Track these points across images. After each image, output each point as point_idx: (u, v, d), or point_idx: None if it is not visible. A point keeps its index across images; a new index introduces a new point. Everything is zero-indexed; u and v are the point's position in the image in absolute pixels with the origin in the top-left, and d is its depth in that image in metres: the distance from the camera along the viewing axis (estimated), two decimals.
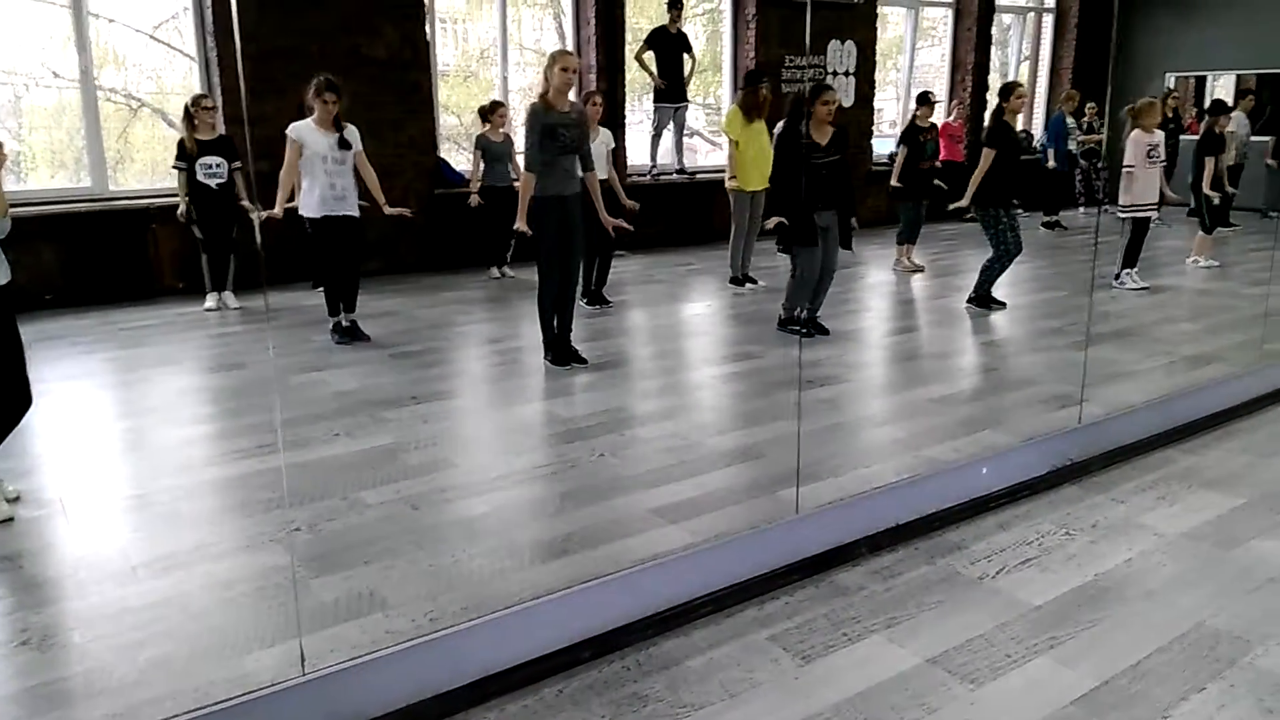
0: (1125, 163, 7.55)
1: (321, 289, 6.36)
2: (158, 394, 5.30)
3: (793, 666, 2.62)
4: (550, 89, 5.15)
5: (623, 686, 2.54)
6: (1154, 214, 7.82)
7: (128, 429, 4.72)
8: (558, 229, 5.26)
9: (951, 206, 7.12)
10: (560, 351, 5.47)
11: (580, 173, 5.35)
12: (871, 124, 11.61)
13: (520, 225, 5.32)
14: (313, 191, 5.83)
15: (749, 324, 6.58)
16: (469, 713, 2.44)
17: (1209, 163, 8.60)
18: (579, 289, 6.12)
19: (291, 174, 5.85)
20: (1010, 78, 13.76)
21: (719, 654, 2.68)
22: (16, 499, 3.64)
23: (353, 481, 3.84)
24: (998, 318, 6.82)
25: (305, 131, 5.79)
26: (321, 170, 5.79)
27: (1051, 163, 11.22)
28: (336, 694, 2.34)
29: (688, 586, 2.90)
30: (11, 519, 3.49)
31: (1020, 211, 7.07)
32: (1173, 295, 7.61)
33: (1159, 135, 7.54)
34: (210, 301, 7.07)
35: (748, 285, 7.75)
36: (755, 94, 7.43)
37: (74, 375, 5.52)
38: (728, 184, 7.66)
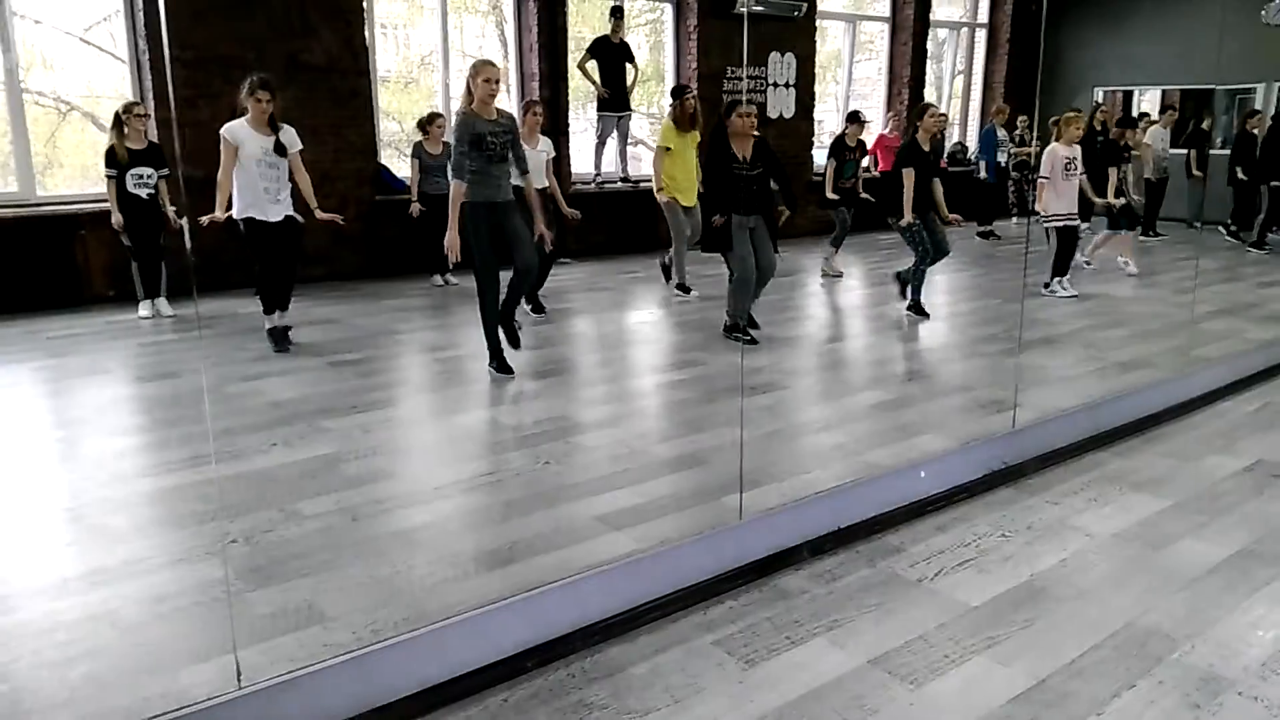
0: (1040, 174, 7.79)
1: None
2: (88, 404, 5.16)
3: (737, 670, 2.64)
4: (475, 99, 5.12)
5: (567, 695, 2.54)
6: (1078, 223, 8.01)
7: (57, 440, 4.59)
8: (490, 235, 5.22)
9: (896, 221, 7.14)
10: (502, 358, 5.45)
11: (513, 180, 5.35)
12: (812, 134, 11.76)
13: (451, 236, 5.19)
14: (245, 193, 5.71)
15: (693, 331, 6.62)
16: None
17: (1111, 172, 8.88)
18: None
19: (229, 175, 5.71)
20: (945, 91, 14.08)
21: (664, 660, 2.69)
22: None
23: (290, 492, 3.77)
24: (934, 325, 6.95)
25: (239, 131, 5.67)
26: (255, 172, 5.68)
27: (983, 174, 11.51)
28: (274, 708, 2.30)
29: (633, 593, 2.90)
30: None
31: (957, 222, 7.24)
32: (1102, 303, 7.83)
33: (1076, 149, 7.75)
34: (144, 309, 6.92)
35: (692, 294, 7.80)
36: (683, 107, 7.56)
37: (0, 385, 5.35)
38: (659, 196, 7.64)
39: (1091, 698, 2.51)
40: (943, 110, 13.10)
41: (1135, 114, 12.98)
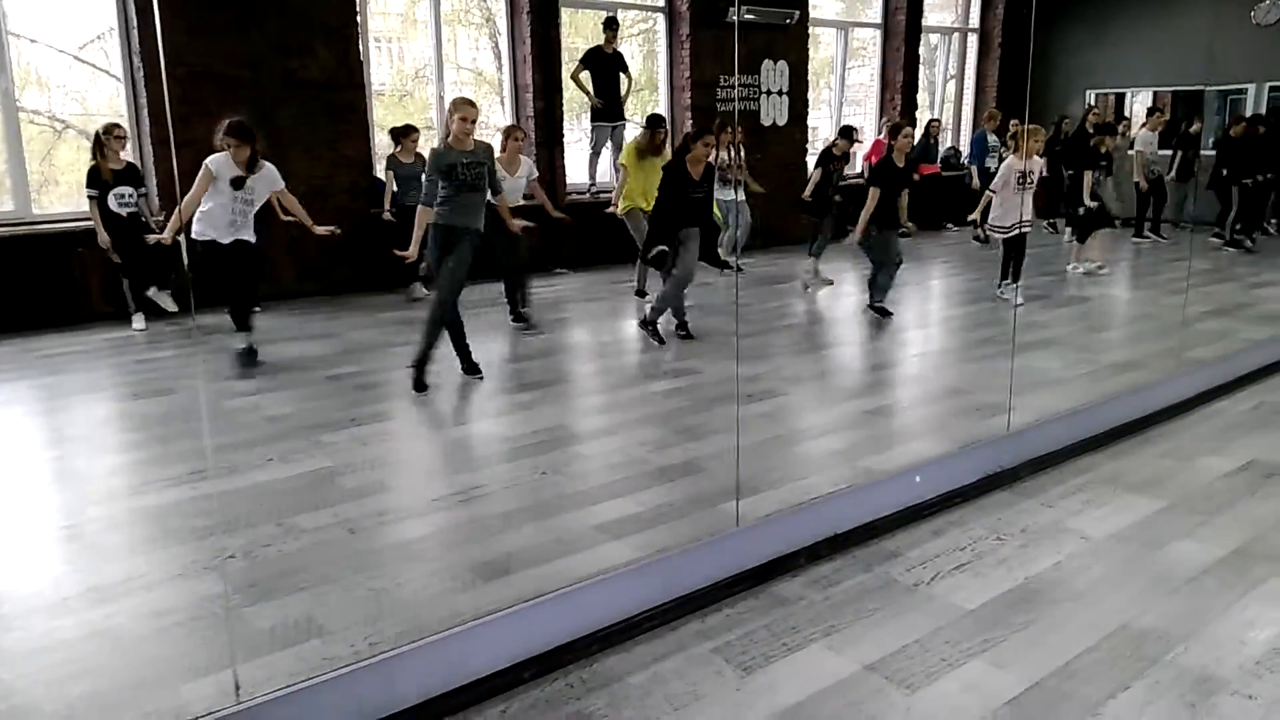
0: (992, 185, 7.83)
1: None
2: (84, 421, 5.17)
3: (735, 678, 2.65)
4: (450, 134, 5.39)
5: (565, 705, 2.54)
6: (1022, 230, 7.97)
7: (54, 458, 4.59)
8: (451, 253, 5.39)
9: (845, 241, 7.38)
10: (423, 371, 5.45)
11: (484, 205, 5.56)
12: (806, 141, 11.78)
13: (408, 253, 5.49)
14: (210, 218, 5.70)
15: (687, 340, 6.63)
16: None
17: (1086, 176, 8.91)
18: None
19: (195, 203, 5.64)
20: (938, 96, 14.12)
21: (662, 668, 2.70)
22: None
23: (288, 507, 3.78)
24: (928, 329, 6.98)
25: (223, 165, 5.64)
26: (228, 205, 5.69)
27: (975, 181, 11.46)
28: None
29: (630, 602, 2.92)
30: None
31: (912, 230, 7.53)
32: (1095, 305, 7.85)
33: (1036, 161, 7.76)
34: (138, 322, 6.96)
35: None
36: (654, 137, 7.81)
37: None
38: (619, 210, 7.93)
39: (1087, 700, 2.53)
40: (936, 116, 13.17)
41: (1126, 115, 13.04)
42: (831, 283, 8.67)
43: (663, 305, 6.60)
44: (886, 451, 4.35)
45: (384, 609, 3.00)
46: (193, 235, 5.76)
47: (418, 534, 3.56)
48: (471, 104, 5.45)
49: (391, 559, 3.35)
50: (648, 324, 6.59)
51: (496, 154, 6.08)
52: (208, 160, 5.65)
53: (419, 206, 5.45)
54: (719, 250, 6.87)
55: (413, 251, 5.50)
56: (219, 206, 5.70)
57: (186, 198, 5.63)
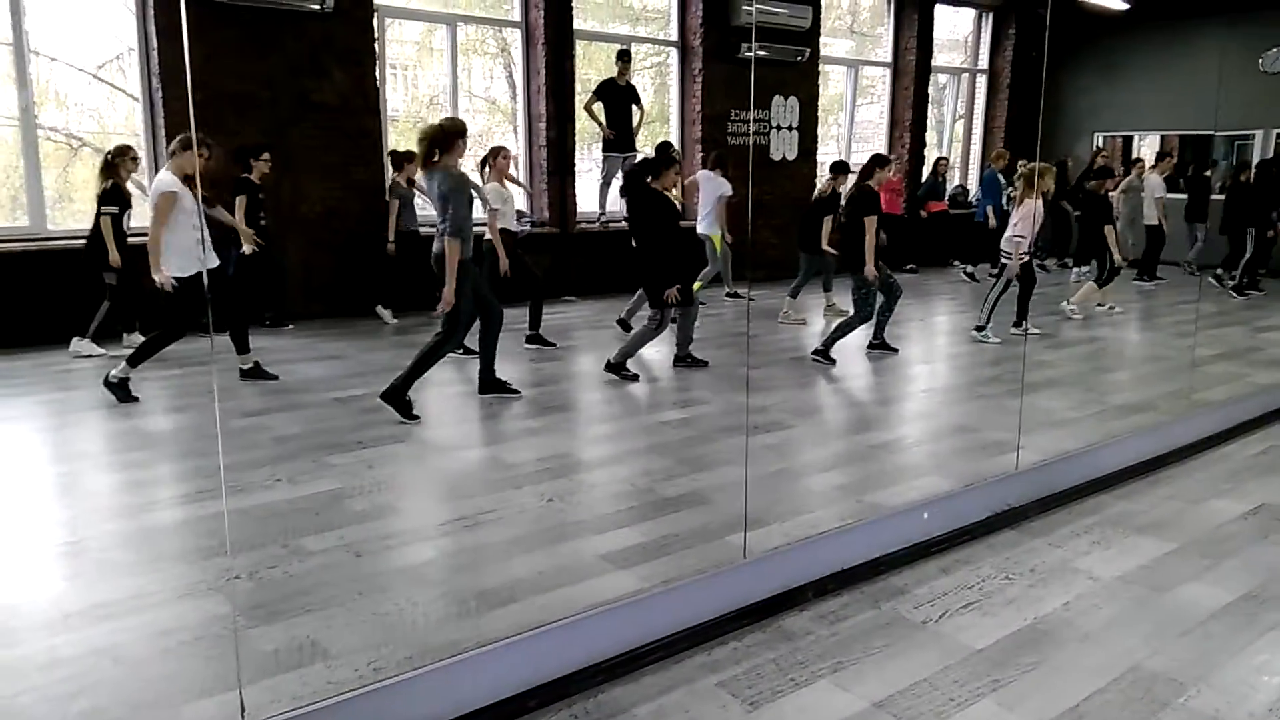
0: (1019, 233, 7.50)
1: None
2: (93, 437, 5.17)
3: (741, 713, 2.62)
4: (456, 159, 5.22)
5: None
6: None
7: (62, 473, 4.59)
8: (472, 289, 5.36)
9: (867, 274, 6.95)
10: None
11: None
12: (814, 177, 11.85)
13: (449, 297, 5.13)
14: (179, 248, 5.41)
15: (696, 371, 6.63)
16: None
17: (1109, 230, 8.76)
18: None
19: (162, 233, 5.38)
20: (946, 135, 14.21)
21: (667, 701, 2.68)
22: None
23: (294, 528, 3.77)
24: (935, 366, 6.97)
25: (178, 185, 5.36)
26: (190, 225, 5.37)
27: (993, 220, 11.42)
28: None
29: (636, 632, 2.90)
30: None
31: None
32: (1102, 346, 7.85)
33: (1029, 208, 7.53)
34: (81, 346, 6.86)
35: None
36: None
37: (6, 418, 5.36)
38: None
39: None
40: (944, 155, 13.23)
41: (1139, 157, 13.10)
42: (805, 323, 8.62)
43: (632, 350, 6.45)
44: (894, 487, 4.34)
45: (389, 634, 2.98)
46: (176, 274, 5.41)
47: (424, 558, 3.55)
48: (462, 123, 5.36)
49: (397, 583, 3.34)
50: (682, 359, 6.61)
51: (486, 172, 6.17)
52: (169, 184, 5.37)
53: (450, 239, 5.01)
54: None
55: (450, 295, 5.12)
56: (184, 232, 5.36)
57: (155, 229, 5.37)
